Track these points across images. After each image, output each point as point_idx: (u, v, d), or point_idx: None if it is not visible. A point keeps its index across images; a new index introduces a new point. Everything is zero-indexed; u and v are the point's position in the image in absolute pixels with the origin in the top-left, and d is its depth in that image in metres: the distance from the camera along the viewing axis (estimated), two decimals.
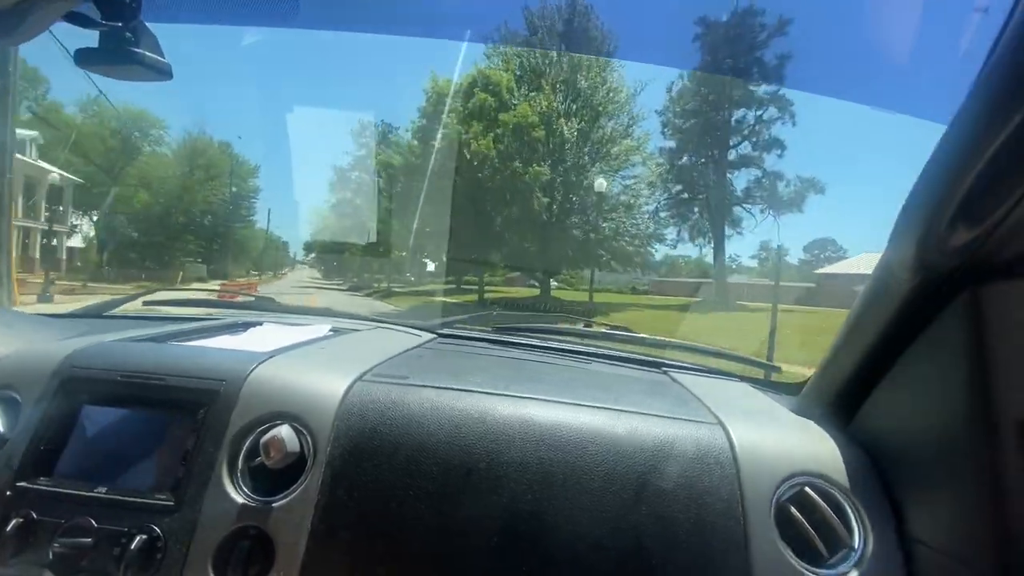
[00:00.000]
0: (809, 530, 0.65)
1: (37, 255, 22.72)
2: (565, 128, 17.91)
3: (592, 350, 1.19)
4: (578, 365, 1.11)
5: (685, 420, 0.76)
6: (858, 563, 0.63)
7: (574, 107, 19.09)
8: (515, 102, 18.13)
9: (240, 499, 0.69)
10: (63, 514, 0.68)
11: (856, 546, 0.64)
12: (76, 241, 27.98)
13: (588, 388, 0.87)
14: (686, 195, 22.08)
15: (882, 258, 0.66)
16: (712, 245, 22.58)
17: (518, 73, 19.68)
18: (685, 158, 22.04)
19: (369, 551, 0.67)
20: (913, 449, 0.65)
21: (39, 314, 1.26)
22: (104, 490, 0.70)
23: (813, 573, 0.63)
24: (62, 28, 0.62)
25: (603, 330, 1.32)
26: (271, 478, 0.70)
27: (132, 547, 0.65)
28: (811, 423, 0.79)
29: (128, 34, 0.64)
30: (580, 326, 1.36)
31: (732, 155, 21.40)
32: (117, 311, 1.38)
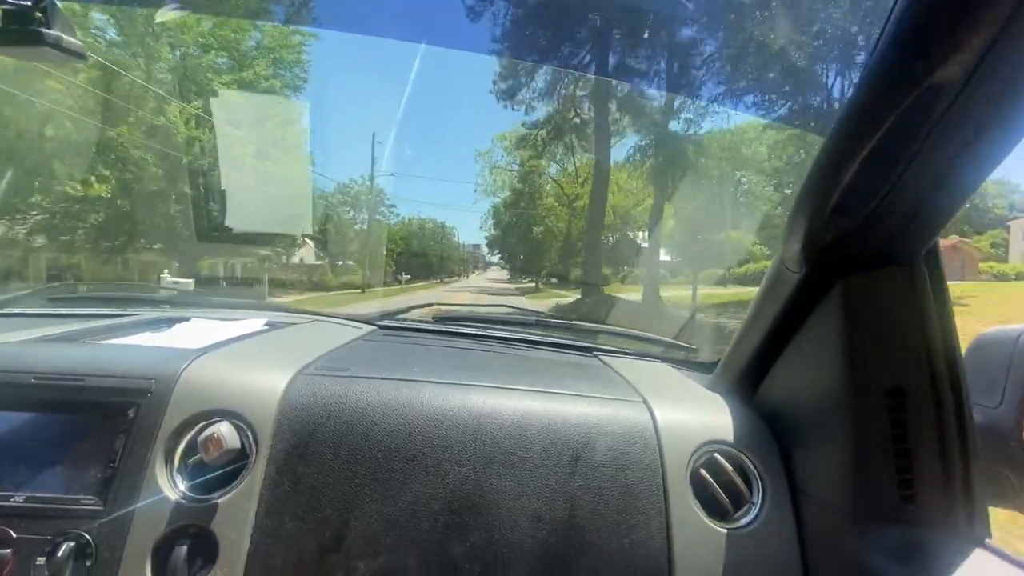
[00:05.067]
0: (718, 490, 0.74)
1: None
2: None
3: (529, 337, 1.25)
4: (516, 352, 1.16)
5: (613, 399, 0.83)
6: (756, 516, 0.73)
7: None
8: None
9: (175, 497, 0.68)
10: None
11: (756, 501, 0.74)
12: None
13: (526, 374, 0.92)
14: None
15: (777, 254, 0.76)
16: None
17: None
18: None
19: (315, 542, 0.68)
20: (802, 416, 0.77)
21: None
22: (22, 498, 0.66)
23: (721, 526, 0.72)
24: None
25: (538, 318, 1.38)
26: (213, 476, 0.70)
27: (58, 555, 0.62)
28: (720, 397, 0.89)
29: (38, 14, 0.60)
30: (519, 315, 1.42)
31: None
32: (14, 308, 1.26)
